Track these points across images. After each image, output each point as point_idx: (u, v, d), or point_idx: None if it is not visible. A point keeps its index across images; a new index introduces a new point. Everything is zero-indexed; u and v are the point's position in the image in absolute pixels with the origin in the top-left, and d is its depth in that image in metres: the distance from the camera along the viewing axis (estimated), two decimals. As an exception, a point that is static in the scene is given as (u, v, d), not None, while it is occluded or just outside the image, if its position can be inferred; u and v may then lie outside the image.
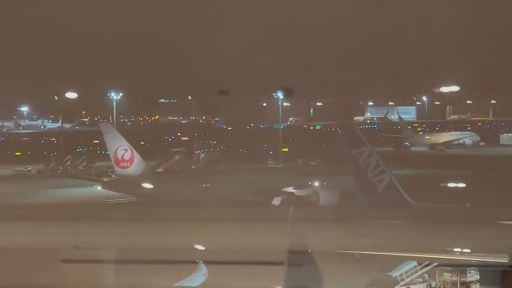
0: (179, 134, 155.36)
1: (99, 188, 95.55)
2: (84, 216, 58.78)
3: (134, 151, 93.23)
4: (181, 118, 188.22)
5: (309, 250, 32.29)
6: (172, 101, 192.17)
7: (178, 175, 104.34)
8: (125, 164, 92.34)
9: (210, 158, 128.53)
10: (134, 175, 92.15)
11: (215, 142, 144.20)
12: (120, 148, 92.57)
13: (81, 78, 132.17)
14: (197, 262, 41.60)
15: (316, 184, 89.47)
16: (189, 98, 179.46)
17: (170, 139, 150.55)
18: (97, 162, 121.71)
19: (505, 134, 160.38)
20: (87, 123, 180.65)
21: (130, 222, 45.68)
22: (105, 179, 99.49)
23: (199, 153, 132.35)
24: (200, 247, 39.94)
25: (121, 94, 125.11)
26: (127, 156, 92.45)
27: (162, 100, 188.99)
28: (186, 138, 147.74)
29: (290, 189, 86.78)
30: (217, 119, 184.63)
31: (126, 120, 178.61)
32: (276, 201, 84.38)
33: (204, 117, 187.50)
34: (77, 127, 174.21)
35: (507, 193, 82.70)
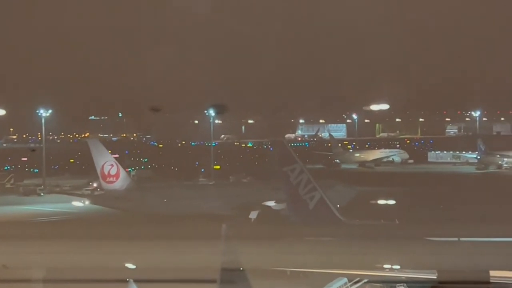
0: (109, 151, 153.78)
1: (86, 202, 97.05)
2: (12, 234, 57.75)
3: (119, 166, 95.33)
4: (111, 135, 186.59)
5: (241, 268, 32.27)
6: (102, 118, 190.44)
7: (162, 190, 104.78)
8: (111, 179, 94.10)
9: (141, 176, 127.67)
10: (119, 189, 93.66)
11: (146, 159, 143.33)
12: (107, 164, 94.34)
13: (9, 95, 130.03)
14: (127, 281, 41.19)
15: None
16: (120, 115, 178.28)
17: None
18: (25, 180, 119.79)
19: (433, 152, 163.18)
20: (15, 140, 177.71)
21: (60, 241, 45.08)
22: (93, 194, 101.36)
23: (130, 170, 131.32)
24: (130, 266, 39.58)
25: (50, 111, 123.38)
26: (113, 171, 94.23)
27: (92, 117, 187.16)
28: (117, 155, 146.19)
29: (270, 203, 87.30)
30: (148, 136, 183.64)
31: (56, 137, 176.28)
32: (253, 214, 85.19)
33: (135, 134, 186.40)
34: (4, 145, 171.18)
35: (435, 210, 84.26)
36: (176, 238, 44.82)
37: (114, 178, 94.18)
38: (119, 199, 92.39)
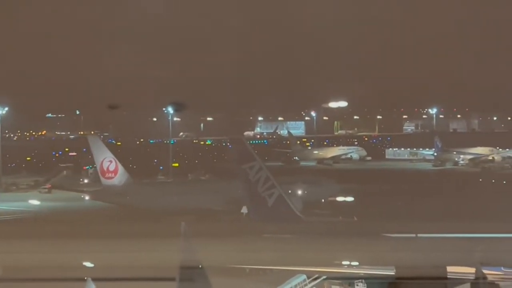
0: (67, 149, 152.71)
1: (87, 198, 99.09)
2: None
3: (118, 162, 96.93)
4: (69, 133, 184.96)
5: (200, 265, 32.20)
6: (59, 115, 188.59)
7: (157, 186, 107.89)
8: (110, 175, 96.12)
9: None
10: (118, 185, 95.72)
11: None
12: (106, 160, 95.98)
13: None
14: (85, 280, 40.91)
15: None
16: (77, 112, 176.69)
17: (57, 155, 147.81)
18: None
19: (391, 149, 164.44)
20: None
21: (16, 240, 44.58)
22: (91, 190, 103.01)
23: (88, 168, 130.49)
24: (88, 264, 39.28)
25: (6, 108, 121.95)
26: (111, 167, 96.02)
27: (49, 115, 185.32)
28: (74, 154, 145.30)
29: None
30: (106, 134, 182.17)
31: (12, 135, 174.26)
32: (245, 209, 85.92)
33: (92, 132, 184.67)
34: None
35: (393, 206, 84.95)
36: (135, 236, 44.59)
37: (113, 174, 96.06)
38: (118, 194, 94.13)
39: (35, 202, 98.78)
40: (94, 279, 40.06)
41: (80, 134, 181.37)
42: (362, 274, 46.02)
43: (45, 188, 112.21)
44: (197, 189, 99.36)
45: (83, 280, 38.12)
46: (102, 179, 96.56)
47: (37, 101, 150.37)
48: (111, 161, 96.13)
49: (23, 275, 36.45)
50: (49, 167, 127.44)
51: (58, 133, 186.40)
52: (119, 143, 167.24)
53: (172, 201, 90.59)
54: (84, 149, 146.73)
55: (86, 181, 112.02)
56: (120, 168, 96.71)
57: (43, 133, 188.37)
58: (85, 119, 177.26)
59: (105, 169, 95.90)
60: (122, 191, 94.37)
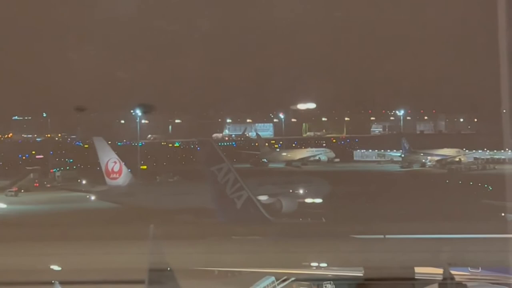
0: (33, 152, 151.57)
1: (93, 198, 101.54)
2: None
3: (122, 163, 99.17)
4: (35, 135, 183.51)
5: (169, 268, 32.06)
6: (26, 118, 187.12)
7: (157, 186, 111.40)
8: (114, 175, 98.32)
9: (67, 176, 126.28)
10: (122, 185, 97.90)
11: (71, 160, 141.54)
12: (111, 161, 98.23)
13: None
14: (52, 283, 40.55)
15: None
16: (44, 115, 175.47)
17: (24, 157, 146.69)
18: None
19: (359, 150, 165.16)
20: None
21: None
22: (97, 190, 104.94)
23: (55, 171, 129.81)
24: (56, 267, 38.92)
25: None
26: (116, 168, 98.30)
27: (16, 117, 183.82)
28: (41, 156, 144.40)
29: (262, 197, 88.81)
30: (73, 136, 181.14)
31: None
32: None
33: (59, 135, 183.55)
34: None
35: (361, 207, 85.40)
36: (103, 239, 44.29)
37: (117, 174, 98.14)
38: (123, 194, 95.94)
39: (1, 205, 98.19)
40: (62, 283, 39.70)
41: (47, 136, 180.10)
42: (331, 275, 46.05)
43: (11, 191, 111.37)
44: (191, 189, 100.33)
45: (50, 283, 37.82)
46: (106, 179, 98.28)
47: (3, 103, 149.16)
48: (115, 162, 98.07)
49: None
50: (16, 170, 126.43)
51: (25, 135, 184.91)
52: (87, 146, 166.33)
53: (173, 201, 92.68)
54: (51, 152, 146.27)
55: (84, 182, 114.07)
56: (124, 168, 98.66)
57: (9, 135, 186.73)
58: (52, 122, 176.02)
59: (110, 169, 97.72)
60: (127, 191, 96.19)
